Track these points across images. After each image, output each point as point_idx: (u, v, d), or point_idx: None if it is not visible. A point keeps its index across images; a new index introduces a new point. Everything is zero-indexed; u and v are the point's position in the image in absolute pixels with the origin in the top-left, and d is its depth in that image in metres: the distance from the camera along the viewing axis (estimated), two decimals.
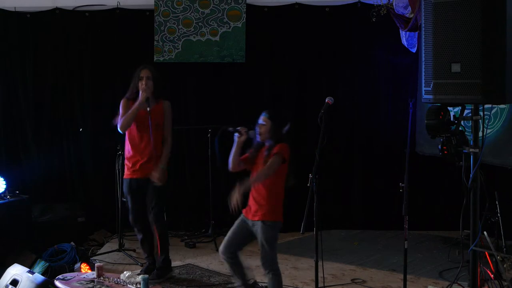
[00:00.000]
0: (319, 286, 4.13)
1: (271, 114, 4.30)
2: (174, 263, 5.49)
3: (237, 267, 4.33)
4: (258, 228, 4.16)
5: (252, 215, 4.21)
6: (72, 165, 6.90)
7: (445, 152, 3.55)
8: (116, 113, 6.81)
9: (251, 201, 4.25)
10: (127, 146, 5.09)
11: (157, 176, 4.91)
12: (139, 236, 5.16)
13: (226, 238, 4.32)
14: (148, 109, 4.85)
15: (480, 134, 3.56)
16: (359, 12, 6.49)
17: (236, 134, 4.27)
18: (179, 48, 6.74)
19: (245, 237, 4.28)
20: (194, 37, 6.73)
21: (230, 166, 4.30)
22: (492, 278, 4.37)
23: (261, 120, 4.30)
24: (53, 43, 6.84)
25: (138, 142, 5.00)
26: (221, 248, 4.33)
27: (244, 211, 4.27)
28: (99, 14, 6.78)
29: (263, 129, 4.26)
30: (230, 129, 4.33)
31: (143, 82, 4.91)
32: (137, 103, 4.91)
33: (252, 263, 5.55)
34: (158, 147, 4.99)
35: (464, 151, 3.54)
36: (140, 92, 4.91)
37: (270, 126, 4.25)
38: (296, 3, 6.67)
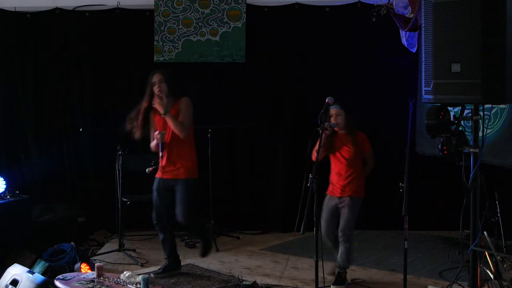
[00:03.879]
0: (319, 286, 4.13)
1: (342, 105, 4.82)
2: None
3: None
4: (345, 203, 4.77)
5: (340, 193, 4.81)
6: (72, 165, 6.90)
7: (445, 152, 3.54)
8: (114, 113, 6.90)
9: (334, 181, 4.87)
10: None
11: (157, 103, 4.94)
12: (161, 236, 5.16)
13: (323, 223, 4.79)
14: (163, 112, 4.93)
15: (480, 134, 3.56)
16: (359, 12, 6.48)
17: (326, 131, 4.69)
18: (179, 48, 6.75)
19: (337, 215, 4.82)
20: (194, 37, 6.74)
21: (315, 157, 4.66)
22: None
23: (335, 112, 4.80)
24: (53, 43, 6.84)
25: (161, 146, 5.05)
26: (323, 234, 4.78)
27: (328, 191, 4.88)
28: (99, 14, 6.78)
29: (339, 119, 4.80)
30: (319, 128, 4.63)
31: (156, 87, 5.01)
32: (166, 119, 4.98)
33: (252, 263, 5.56)
34: (181, 149, 5.01)
35: (464, 151, 3.54)
36: (156, 104, 4.97)
37: (345, 116, 4.80)
38: (296, 3, 6.67)
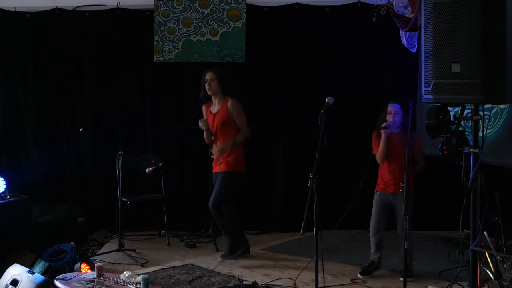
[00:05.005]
0: (319, 286, 4.13)
1: (401, 105, 4.97)
2: (174, 263, 5.50)
3: (382, 243, 5.08)
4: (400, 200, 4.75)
5: (394, 189, 4.99)
6: (72, 165, 6.90)
7: (445, 152, 3.55)
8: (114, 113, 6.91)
9: (387, 178, 5.08)
10: None
11: (222, 145, 5.45)
12: (220, 227, 5.68)
13: (374, 220, 5.08)
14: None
15: (480, 134, 3.56)
16: (359, 12, 6.48)
17: (387, 131, 4.98)
18: (179, 48, 6.75)
19: (388, 212, 5.06)
20: (194, 37, 6.73)
21: (381, 160, 5.11)
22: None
23: (393, 110, 4.96)
24: (53, 43, 6.84)
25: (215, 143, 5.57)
26: (372, 229, 5.08)
27: (378, 189, 5.16)
28: (99, 14, 6.78)
29: (397, 118, 4.96)
30: (377, 129, 5.06)
31: (207, 85, 5.44)
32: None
33: (252, 263, 5.56)
34: (227, 141, 5.44)
35: (464, 151, 3.54)
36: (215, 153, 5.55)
37: (402, 116, 4.93)
38: (296, 3, 6.67)
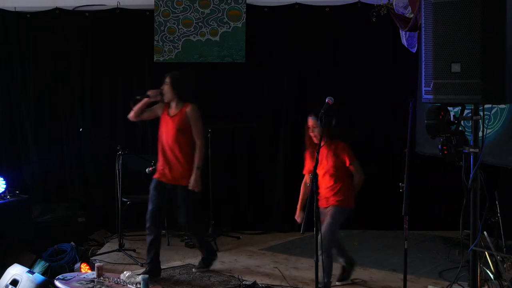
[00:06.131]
0: (319, 286, 4.12)
1: (318, 116, 4.53)
2: (174, 263, 5.50)
3: (342, 247, 4.93)
4: (328, 212, 4.68)
5: (325, 203, 4.71)
6: (72, 165, 6.90)
7: (445, 152, 3.54)
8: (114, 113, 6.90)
9: (321, 193, 4.69)
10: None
11: (192, 181, 5.00)
12: (148, 238, 5.10)
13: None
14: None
15: (480, 134, 3.56)
16: (359, 12, 6.49)
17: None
18: (179, 48, 6.75)
19: None
20: (194, 37, 6.74)
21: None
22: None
23: (311, 124, 4.66)
24: (53, 43, 6.84)
25: (161, 147, 5.13)
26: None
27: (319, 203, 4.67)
28: (99, 14, 6.78)
29: (316, 132, 4.64)
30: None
31: (163, 88, 5.10)
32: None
33: (252, 263, 5.57)
34: (184, 153, 5.04)
35: (464, 151, 3.54)
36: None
37: (321, 129, 4.49)
38: (296, 3, 6.67)
